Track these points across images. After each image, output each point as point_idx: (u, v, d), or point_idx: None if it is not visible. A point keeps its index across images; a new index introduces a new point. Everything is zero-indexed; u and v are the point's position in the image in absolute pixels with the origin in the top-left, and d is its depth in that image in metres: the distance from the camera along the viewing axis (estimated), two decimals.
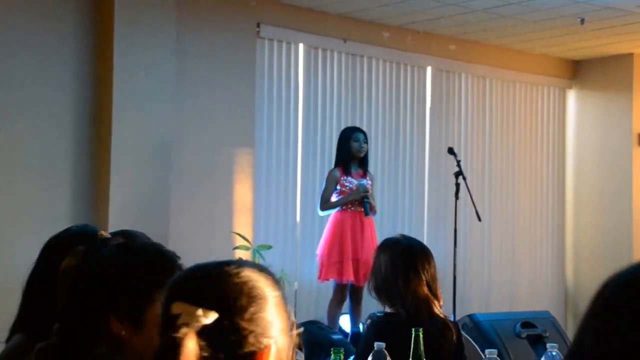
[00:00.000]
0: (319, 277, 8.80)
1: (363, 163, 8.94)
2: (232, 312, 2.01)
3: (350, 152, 8.82)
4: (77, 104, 7.98)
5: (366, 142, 8.92)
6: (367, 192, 8.65)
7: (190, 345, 1.94)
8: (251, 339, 2.01)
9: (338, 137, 9.07)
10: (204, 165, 8.80)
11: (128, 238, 3.31)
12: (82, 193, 7.97)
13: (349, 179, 8.78)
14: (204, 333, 1.96)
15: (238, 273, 2.05)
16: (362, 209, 8.66)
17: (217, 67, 8.93)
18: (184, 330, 1.94)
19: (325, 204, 8.81)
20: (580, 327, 1.30)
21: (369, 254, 8.39)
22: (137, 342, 2.58)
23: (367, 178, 8.85)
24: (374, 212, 8.82)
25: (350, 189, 8.72)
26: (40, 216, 7.67)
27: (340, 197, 8.73)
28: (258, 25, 9.25)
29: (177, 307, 1.98)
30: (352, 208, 8.71)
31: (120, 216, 7.72)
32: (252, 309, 2.02)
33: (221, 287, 2.03)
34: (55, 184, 7.85)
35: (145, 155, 8.13)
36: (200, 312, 1.97)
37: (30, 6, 7.77)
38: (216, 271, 2.07)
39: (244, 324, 2.01)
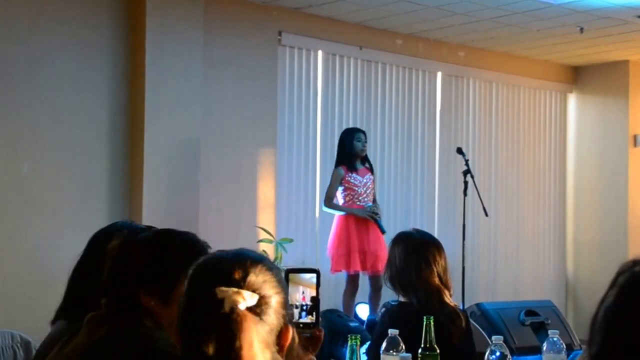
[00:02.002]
0: (331, 270, 8.83)
1: (365, 160, 8.96)
2: (265, 294, 2.08)
3: (355, 151, 8.83)
4: (112, 108, 8.01)
5: (366, 141, 8.94)
6: (376, 213, 8.69)
7: (251, 325, 2.00)
8: (279, 319, 2.10)
9: (339, 138, 9.08)
10: (230, 164, 8.82)
11: None
12: (117, 191, 7.99)
13: (354, 175, 8.77)
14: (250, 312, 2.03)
15: (259, 263, 2.12)
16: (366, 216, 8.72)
17: (241, 73, 8.94)
18: (238, 312, 2.00)
19: (330, 202, 8.79)
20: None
21: (376, 246, 8.47)
22: (165, 315, 2.68)
23: (371, 174, 8.88)
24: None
25: (355, 185, 8.73)
26: (80, 213, 7.71)
27: (346, 194, 8.73)
28: (279, 34, 9.26)
29: (221, 292, 2.03)
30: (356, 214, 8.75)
31: (153, 212, 7.75)
32: (277, 293, 2.11)
33: (253, 273, 2.08)
34: (93, 183, 7.87)
35: (176, 155, 8.15)
36: (245, 294, 2.03)
37: (68, 17, 7.78)
38: (244, 260, 2.12)
39: (275, 305, 2.09)
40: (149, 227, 3.45)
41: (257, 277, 2.08)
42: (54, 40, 7.70)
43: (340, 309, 8.64)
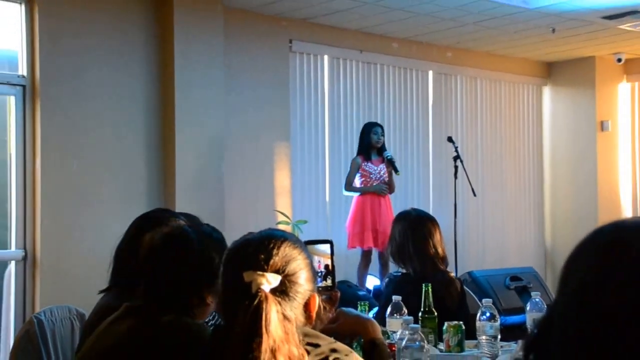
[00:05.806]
0: (348, 246, 8.91)
1: (381, 152, 9.00)
2: (288, 273, 2.09)
3: (370, 143, 8.89)
4: (147, 112, 8.00)
5: (383, 134, 8.97)
6: (392, 160, 8.78)
7: (272, 304, 1.99)
8: (303, 292, 2.12)
9: (360, 130, 9.14)
10: (250, 156, 8.84)
11: (189, 219, 3.38)
12: (153, 184, 7.98)
13: (369, 164, 8.83)
14: (273, 293, 2.03)
15: (283, 243, 2.12)
16: (379, 194, 8.76)
17: (257, 77, 8.94)
18: (262, 294, 1.99)
19: (349, 187, 8.86)
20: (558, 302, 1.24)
21: (386, 226, 8.46)
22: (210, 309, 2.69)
23: (385, 165, 8.90)
24: (392, 190, 8.90)
25: (370, 173, 8.79)
26: (121, 203, 7.71)
27: (362, 180, 8.81)
28: (290, 41, 9.27)
29: (247, 275, 2.03)
30: (372, 191, 8.79)
31: (184, 200, 7.77)
32: (299, 270, 2.12)
33: (276, 254, 2.09)
34: (132, 178, 7.85)
35: (203, 149, 8.16)
36: (269, 276, 2.04)
37: (107, 33, 7.74)
38: (267, 242, 2.11)
39: (299, 281, 2.11)
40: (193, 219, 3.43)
41: (281, 257, 2.09)
42: (96, 53, 7.70)
43: (351, 280, 8.70)
